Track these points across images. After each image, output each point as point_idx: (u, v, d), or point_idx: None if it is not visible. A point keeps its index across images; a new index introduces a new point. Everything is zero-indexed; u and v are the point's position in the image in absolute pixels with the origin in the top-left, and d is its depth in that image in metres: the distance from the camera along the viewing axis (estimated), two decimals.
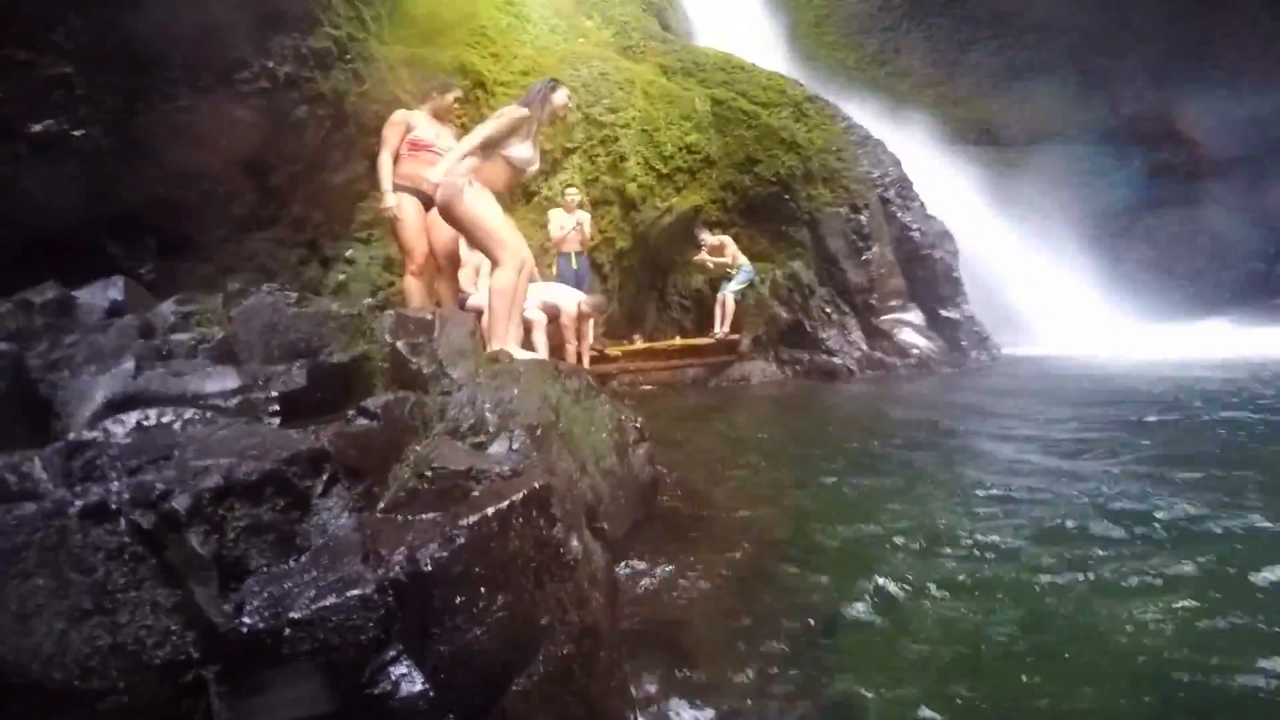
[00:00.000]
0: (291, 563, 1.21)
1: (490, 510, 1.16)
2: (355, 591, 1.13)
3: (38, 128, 4.47)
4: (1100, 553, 2.26)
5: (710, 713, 1.56)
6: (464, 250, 4.26)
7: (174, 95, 4.98)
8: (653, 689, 1.65)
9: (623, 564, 2.23)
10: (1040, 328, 9.79)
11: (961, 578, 2.21)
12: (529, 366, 2.18)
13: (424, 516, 1.23)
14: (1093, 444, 3.72)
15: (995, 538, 2.48)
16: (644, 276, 8.90)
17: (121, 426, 1.37)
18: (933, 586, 2.16)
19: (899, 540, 2.56)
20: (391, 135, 4.07)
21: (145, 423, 1.36)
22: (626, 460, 2.65)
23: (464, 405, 1.65)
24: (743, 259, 8.18)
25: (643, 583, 2.21)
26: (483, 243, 3.40)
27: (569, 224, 7.06)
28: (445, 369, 1.79)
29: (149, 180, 4.99)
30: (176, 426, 1.40)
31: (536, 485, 1.25)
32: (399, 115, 4.19)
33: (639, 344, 8.03)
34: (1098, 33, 13.10)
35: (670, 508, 2.96)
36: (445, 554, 1.11)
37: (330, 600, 1.12)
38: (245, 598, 1.13)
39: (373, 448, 1.36)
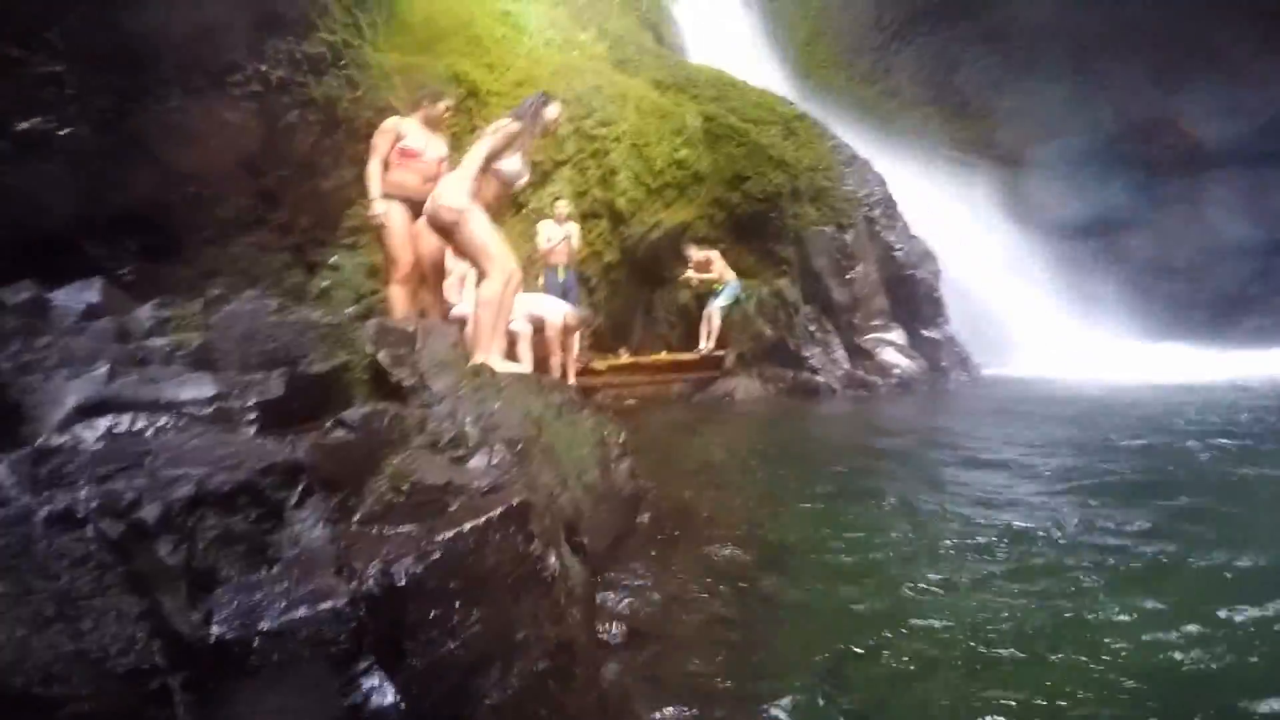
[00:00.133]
0: (263, 574, 1.19)
1: (467, 526, 1.16)
2: (327, 604, 1.12)
3: (24, 125, 4.41)
4: (1070, 587, 2.25)
5: None
6: (450, 260, 4.26)
7: (165, 96, 4.95)
8: (631, 702, 1.64)
9: (603, 578, 2.23)
10: (1021, 349, 9.93)
11: (935, 598, 2.23)
12: (512, 380, 2.18)
13: (400, 530, 1.22)
14: (1066, 471, 3.74)
15: (967, 562, 2.50)
16: (631, 291, 8.92)
17: (92, 432, 1.35)
18: (909, 606, 2.18)
19: (876, 560, 2.57)
20: (381, 143, 4.07)
21: (117, 429, 1.34)
22: (609, 475, 2.65)
23: (444, 418, 1.64)
24: (730, 275, 8.24)
25: (623, 596, 2.20)
26: (470, 254, 3.39)
27: (557, 236, 7.08)
28: (426, 381, 1.79)
29: (134, 181, 4.93)
30: (149, 434, 1.38)
31: (514, 502, 1.25)
32: (390, 123, 4.19)
33: (625, 358, 8.04)
34: (1089, 49, 13.41)
35: (652, 522, 2.96)
36: (419, 568, 1.11)
37: (301, 612, 1.11)
38: (214, 608, 1.12)
39: (350, 460, 1.35)
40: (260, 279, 5.42)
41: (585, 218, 8.29)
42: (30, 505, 1.10)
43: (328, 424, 1.45)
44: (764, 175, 8.92)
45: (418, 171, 4.09)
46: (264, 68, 5.41)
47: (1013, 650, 1.85)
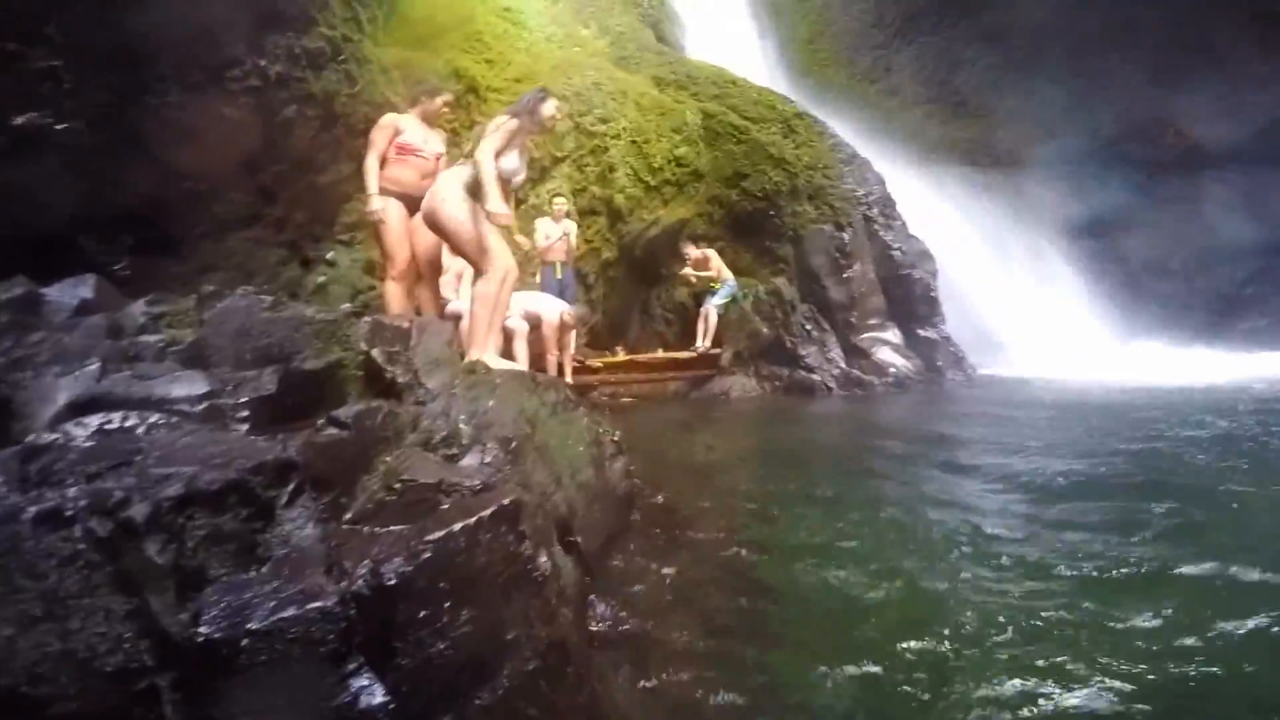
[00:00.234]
0: (252, 573, 1.19)
1: (457, 525, 1.16)
2: (316, 603, 1.12)
3: (20, 120, 4.39)
4: (1062, 599, 2.20)
5: None
6: (446, 256, 4.25)
7: (163, 92, 4.93)
8: (624, 701, 1.64)
9: (596, 577, 2.23)
10: (1016, 349, 9.95)
11: (929, 601, 2.23)
12: (506, 378, 2.17)
13: (390, 529, 1.22)
14: (1059, 476, 3.68)
15: (962, 567, 2.49)
16: (628, 288, 8.91)
17: (83, 430, 1.34)
18: (902, 608, 2.18)
19: (869, 562, 2.57)
20: (379, 138, 4.06)
21: (107, 427, 1.34)
22: (603, 473, 2.64)
23: (438, 416, 1.64)
24: (727, 273, 8.23)
25: (616, 596, 2.20)
26: (466, 251, 3.39)
27: (555, 233, 7.07)
28: (421, 379, 1.78)
29: (131, 176, 4.91)
30: (140, 431, 1.38)
31: (505, 501, 1.25)
32: (387, 119, 4.18)
33: (621, 356, 8.03)
34: (1088, 49, 13.41)
35: (646, 521, 2.96)
36: (409, 568, 1.10)
37: (290, 611, 1.11)
38: (203, 607, 1.12)
39: (342, 458, 1.35)
40: (256, 274, 5.41)
41: (583, 215, 8.27)
42: (19, 504, 1.10)
43: (320, 422, 1.44)
44: (763, 173, 8.90)
45: (415, 167, 4.08)
46: (262, 63, 5.38)
47: (1006, 654, 1.85)
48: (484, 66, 8.25)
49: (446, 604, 1.14)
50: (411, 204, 3.94)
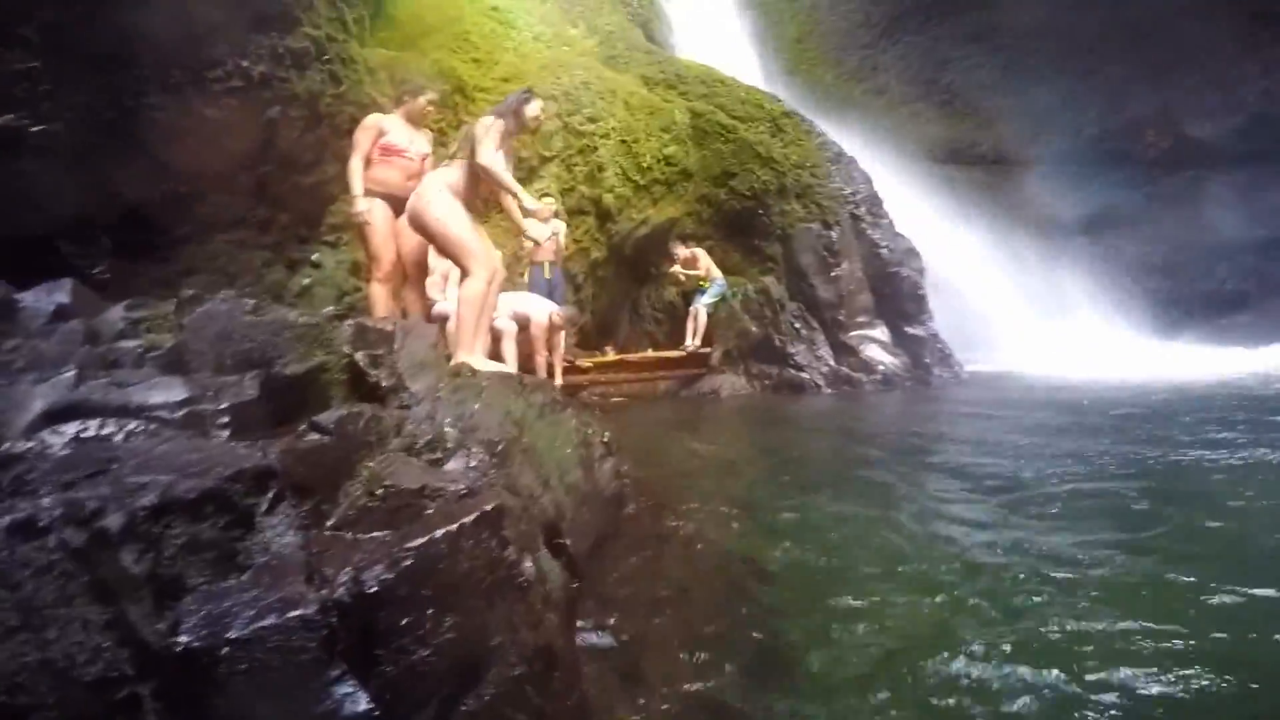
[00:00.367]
0: (232, 581, 1.18)
1: (440, 532, 1.15)
2: (296, 611, 1.10)
3: None
4: (1028, 605, 2.17)
5: None
6: (432, 258, 4.22)
7: (143, 93, 4.88)
8: (613, 705, 1.63)
9: (585, 580, 2.22)
10: (1003, 345, 10.04)
11: (917, 604, 2.24)
12: (493, 380, 2.16)
13: (372, 536, 1.20)
14: (1036, 482, 3.61)
15: (948, 569, 2.50)
16: (618, 288, 8.90)
17: (59, 438, 1.32)
18: (891, 610, 2.18)
19: (859, 563, 2.58)
20: (363, 139, 4.03)
21: (84, 435, 1.32)
22: (592, 475, 2.64)
23: (422, 420, 1.63)
24: (716, 272, 8.24)
25: (606, 598, 2.19)
26: (452, 253, 3.38)
27: (544, 233, 7.04)
28: (405, 382, 1.77)
29: (111, 178, 4.86)
30: (117, 439, 1.36)
31: (488, 507, 1.24)
32: (371, 119, 4.15)
33: (611, 355, 8.03)
34: (1073, 49, 13.54)
35: (636, 522, 2.95)
36: (391, 575, 1.09)
37: (270, 620, 1.10)
38: (181, 616, 1.11)
39: (323, 464, 1.33)
40: (239, 277, 5.36)
41: (572, 214, 8.25)
42: None
43: (302, 427, 1.43)
44: (751, 172, 8.92)
45: (400, 168, 4.05)
46: (245, 63, 5.34)
47: (990, 665, 1.84)
48: (471, 66, 8.21)
49: (429, 611, 1.13)
50: (397, 205, 3.91)
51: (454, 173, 3.39)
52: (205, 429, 1.43)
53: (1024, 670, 1.75)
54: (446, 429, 1.65)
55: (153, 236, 5.22)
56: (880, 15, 15.20)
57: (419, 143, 4.17)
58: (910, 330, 8.60)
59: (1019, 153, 14.71)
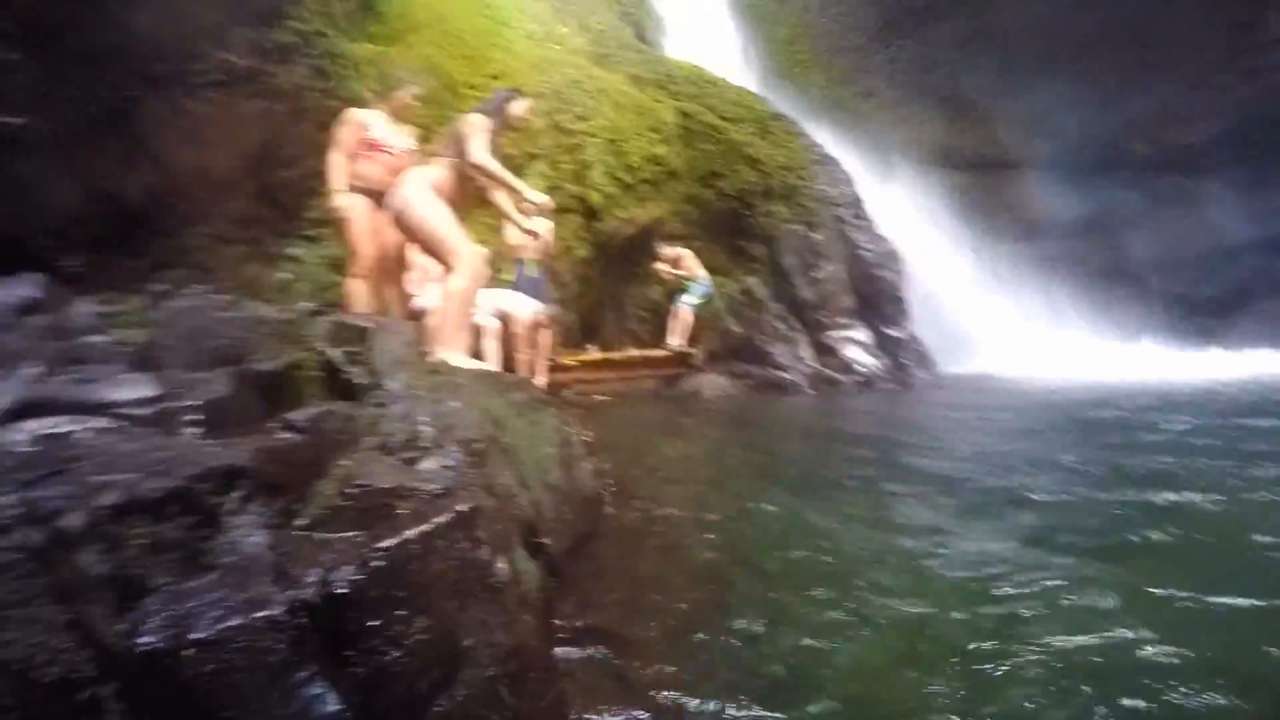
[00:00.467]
0: (197, 581, 1.16)
1: (412, 533, 1.14)
2: (263, 613, 1.09)
3: None
4: (1007, 611, 2.13)
5: None
6: (413, 253, 4.19)
7: (121, 85, 4.80)
8: (590, 706, 1.63)
9: (564, 580, 2.21)
10: (982, 347, 10.18)
11: (897, 602, 2.25)
12: (471, 378, 2.15)
13: (343, 536, 1.19)
14: (999, 494, 3.51)
15: (927, 566, 2.53)
16: (603, 286, 8.88)
17: (21, 436, 1.29)
18: (872, 608, 2.20)
19: (840, 561, 2.60)
20: (344, 134, 3.99)
21: (47, 432, 1.29)
22: (572, 474, 2.63)
23: (398, 419, 1.61)
24: (701, 272, 8.25)
25: (584, 599, 2.19)
26: (436, 251, 3.36)
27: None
28: (381, 380, 1.75)
29: (85, 171, 4.77)
30: (82, 437, 1.33)
31: (462, 509, 1.23)
32: (353, 114, 4.11)
33: (595, 354, 8.01)
34: (1061, 54, 13.74)
35: (616, 522, 2.95)
36: (361, 576, 1.08)
37: (235, 621, 1.08)
38: (142, 617, 1.09)
39: (295, 463, 1.31)
40: (216, 271, 5.29)
41: (558, 212, 8.21)
42: None
43: (274, 425, 1.40)
44: (738, 173, 8.95)
45: (383, 164, 4.02)
46: (228, 57, 5.28)
47: (969, 662, 1.86)
48: (461, 63, 8.13)
49: (400, 612, 1.12)
50: (379, 200, 3.88)
51: (436, 170, 3.37)
52: (174, 427, 1.40)
53: (1003, 679, 1.75)
54: (422, 427, 1.64)
55: (127, 230, 5.12)
56: (870, 20, 15.31)
57: (402, 138, 4.13)
58: (890, 332, 8.69)
59: (1005, 156, 14.92)
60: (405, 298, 4.11)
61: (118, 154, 4.81)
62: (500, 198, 3.52)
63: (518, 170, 8.10)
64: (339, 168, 3.94)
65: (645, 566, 2.52)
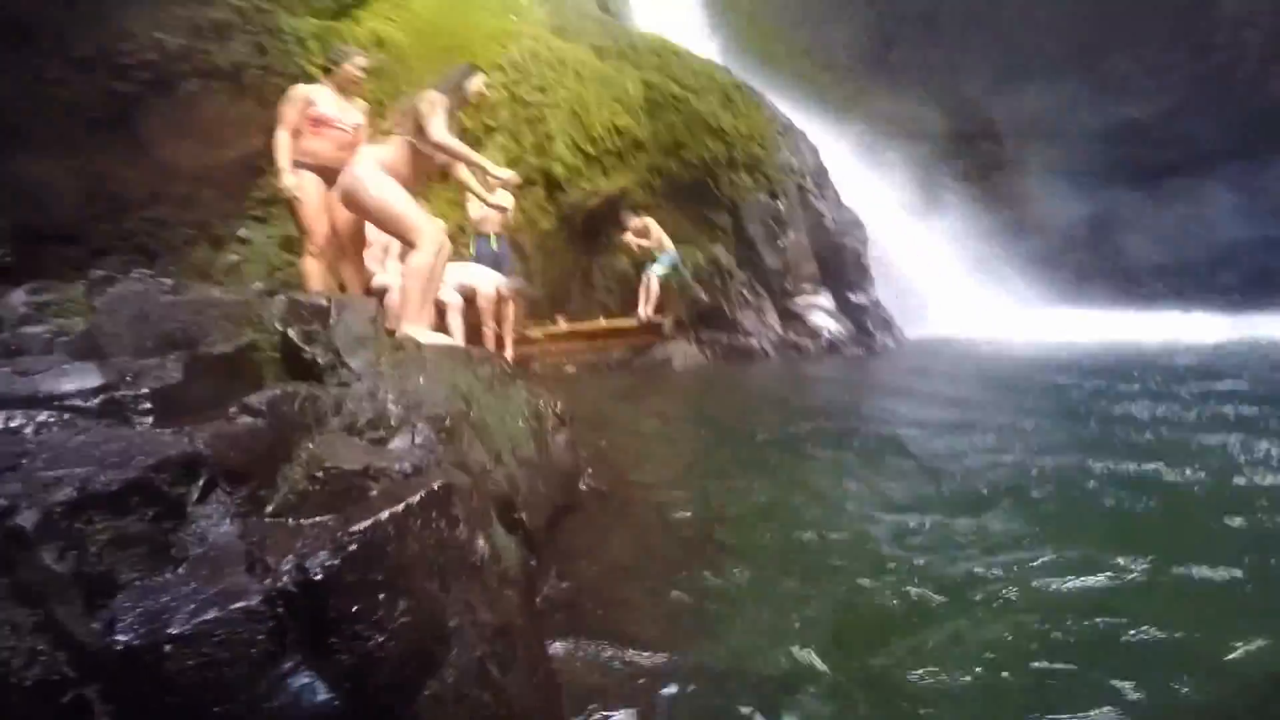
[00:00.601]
0: (168, 575, 1.12)
1: (385, 514, 1.11)
2: (240, 604, 1.06)
3: None
4: (971, 583, 2.13)
5: (641, 699, 1.57)
6: (370, 230, 4.06)
7: (42, 67, 4.51)
8: (581, 679, 1.64)
9: (543, 554, 2.20)
10: (941, 312, 10.43)
11: (872, 562, 2.31)
12: (437, 353, 2.10)
13: (315, 521, 1.15)
14: (957, 462, 3.51)
15: (903, 526, 2.60)
16: (569, 258, 8.78)
17: None
18: (848, 570, 2.25)
19: (813, 524, 2.65)
20: (290, 111, 3.82)
21: None
22: (546, 447, 2.61)
23: (363, 398, 1.56)
24: (667, 242, 8.22)
25: (566, 572, 2.19)
26: (395, 229, 3.29)
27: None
28: (343, 358, 1.69)
29: (9, 156, 4.48)
30: (27, 432, 1.25)
31: (435, 486, 1.20)
32: (297, 90, 3.94)
33: (563, 326, 7.95)
34: (1017, 31, 13.91)
35: (593, 494, 2.95)
36: (337, 561, 1.05)
37: (212, 614, 1.05)
38: (116, 614, 1.05)
39: (258, 448, 1.26)
40: (159, 256, 5.07)
41: (520, 185, 8.05)
42: None
43: (232, 410, 1.35)
44: (702, 143, 8.90)
45: (332, 139, 3.87)
46: (160, 35, 5.06)
47: (950, 619, 1.91)
48: (412, 35, 7.80)
49: (380, 596, 1.10)
50: (329, 176, 3.74)
51: (387, 149, 3.28)
52: (125, 416, 1.33)
53: (970, 651, 1.75)
54: (389, 406, 1.59)
55: (59, 217, 4.85)
56: None
57: (351, 112, 3.97)
58: (854, 298, 8.84)
59: (961, 128, 15.17)
60: (364, 275, 3.99)
61: (44, 141, 4.53)
62: (464, 174, 3.43)
63: (477, 143, 7.90)
64: (285, 146, 3.78)
65: (624, 538, 2.53)
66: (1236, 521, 2.48)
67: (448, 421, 1.69)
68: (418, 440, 1.48)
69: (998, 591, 2.02)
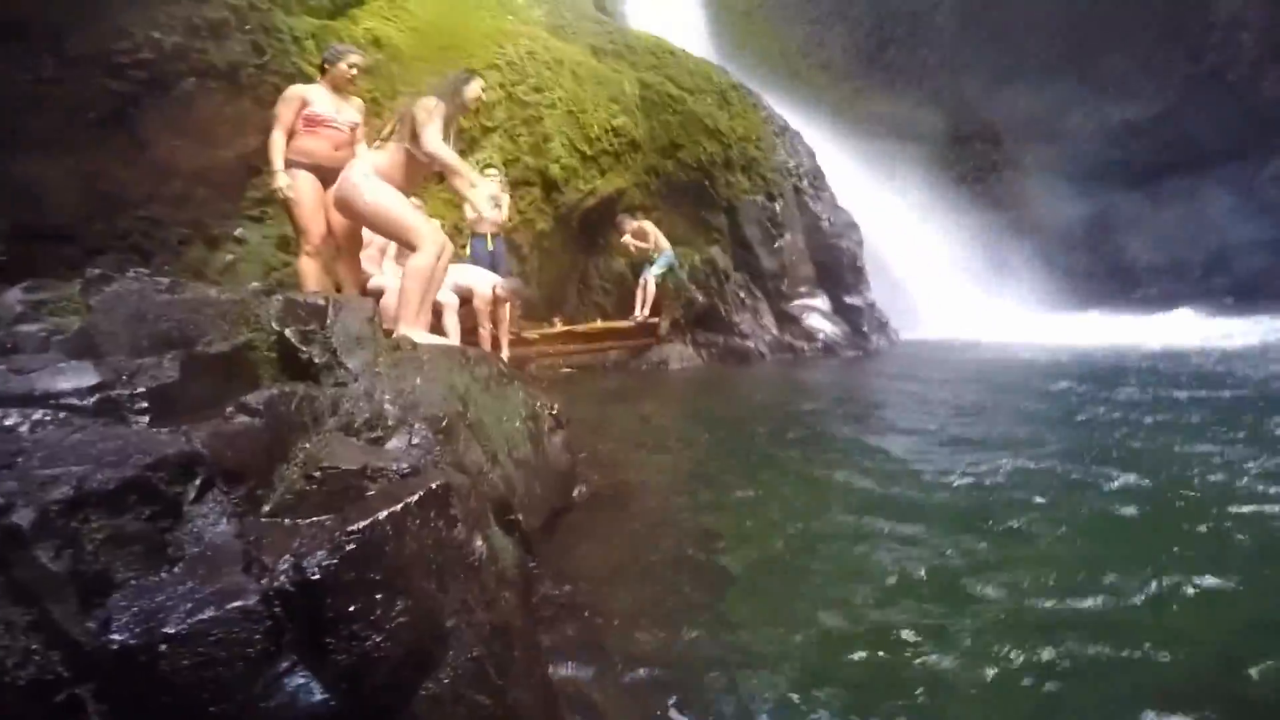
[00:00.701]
0: (164, 574, 1.11)
1: (383, 513, 1.10)
2: (236, 603, 1.05)
3: None
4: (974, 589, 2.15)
5: (636, 701, 1.57)
6: (368, 230, 4.05)
7: (35, 66, 4.49)
8: (577, 680, 1.63)
9: (540, 555, 2.20)
10: (936, 314, 10.46)
11: (865, 562, 2.32)
12: (434, 354, 2.10)
13: (312, 521, 1.15)
14: (954, 431, 3.75)
15: (900, 527, 2.60)
16: (565, 259, 8.78)
17: None
18: (843, 569, 2.26)
19: (810, 526, 2.65)
20: (284, 111, 3.80)
21: None
22: (542, 448, 2.61)
23: (360, 398, 1.56)
24: (664, 243, 8.23)
25: (562, 573, 2.19)
26: (394, 234, 3.30)
27: (500, 216, 6.84)
28: (340, 359, 1.69)
29: (4, 155, 4.46)
30: (23, 430, 1.25)
31: (433, 485, 1.20)
32: (293, 90, 3.93)
33: (559, 327, 7.95)
34: (1013, 31, 13.98)
35: (589, 495, 2.96)
36: (335, 561, 1.05)
37: (209, 613, 1.05)
38: (112, 613, 1.05)
39: (255, 448, 1.26)
40: (154, 255, 5.05)
41: (516, 185, 8.04)
42: None
43: (229, 409, 1.34)
44: (698, 144, 8.92)
45: (327, 139, 3.85)
46: (156, 34, 5.07)
47: (936, 619, 1.92)
48: (408, 35, 7.79)
49: (378, 595, 1.10)
50: (325, 176, 3.73)
51: (382, 156, 3.27)
52: (121, 415, 1.32)
53: (973, 656, 1.74)
54: (386, 406, 1.59)
55: (54, 217, 4.83)
56: None
57: (347, 112, 3.96)
58: (849, 300, 8.87)
59: (955, 131, 15.23)
60: (360, 276, 3.98)
61: (39, 139, 4.52)
62: (458, 183, 3.42)
63: (474, 143, 7.89)
64: (279, 147, 3.77)
65: (620, 539, 2.53)
66: (1240, 536, 2.42)
67: (444, 422, 1.69)
68: (415, 440, 1.48)
69: (995, 604, 2.00)
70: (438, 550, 1.17)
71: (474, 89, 3.45)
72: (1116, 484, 2.95)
